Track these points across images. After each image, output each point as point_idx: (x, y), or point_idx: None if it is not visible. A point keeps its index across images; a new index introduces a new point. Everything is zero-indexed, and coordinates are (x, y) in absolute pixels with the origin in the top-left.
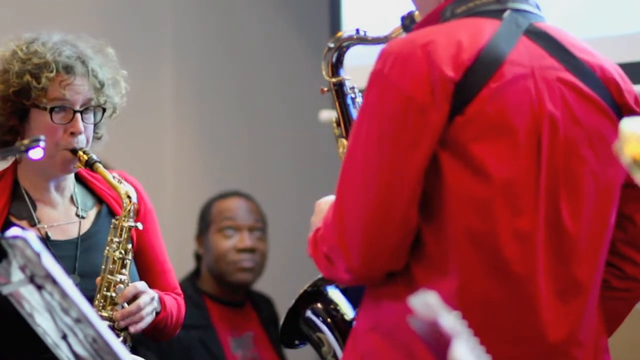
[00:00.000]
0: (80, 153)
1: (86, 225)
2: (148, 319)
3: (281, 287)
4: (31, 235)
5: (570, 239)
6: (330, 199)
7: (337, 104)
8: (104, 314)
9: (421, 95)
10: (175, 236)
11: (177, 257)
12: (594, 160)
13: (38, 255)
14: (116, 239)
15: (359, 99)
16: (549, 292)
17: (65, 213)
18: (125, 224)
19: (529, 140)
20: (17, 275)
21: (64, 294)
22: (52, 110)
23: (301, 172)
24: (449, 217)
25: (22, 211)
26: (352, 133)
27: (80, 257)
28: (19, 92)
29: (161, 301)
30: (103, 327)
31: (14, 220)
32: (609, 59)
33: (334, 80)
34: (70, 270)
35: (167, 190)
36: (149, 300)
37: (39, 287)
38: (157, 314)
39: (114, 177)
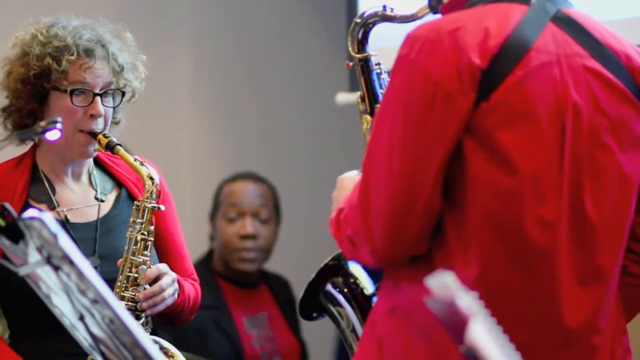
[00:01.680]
0: (100, 136)
1: (105, 208)
2: (169, 301)
3: (296, 269)
4: (48, 216)
5: (592, 227)
6: (353, 174)
7: (362, 79)
8: (127, 294)
9: (448, 81)
10: (192, 220)
11: (194, 240)
12: (618, 149)
13: (55, 236)
14: (139, 220)
15: (384, 76)
16: (570, 280)
17: (84, 196)
18: (148, 205)
19: (553, 128)
20: (34, 256)
21: (80, 275)
22: (72, 92)
23: (316, 154)
24: (472, 204)
25: (41, 194)
26: (377, 117)
27: (99, 239)
28: (39, 75)
29: (179, 285)
30: (120, 308)
31: (33, 203)
32: (634, 45)
33: (359, 56)
34: (89, 253)
35: (183, 175)
36: (170, 282)
37: (56, 268)
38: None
39: (135, 160)
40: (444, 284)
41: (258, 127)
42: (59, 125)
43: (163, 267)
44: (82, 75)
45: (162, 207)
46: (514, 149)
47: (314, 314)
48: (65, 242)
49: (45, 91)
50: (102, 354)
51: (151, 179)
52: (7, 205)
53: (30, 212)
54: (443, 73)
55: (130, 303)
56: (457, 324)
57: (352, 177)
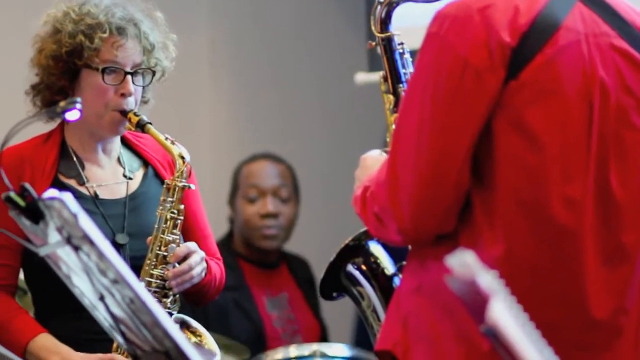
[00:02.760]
0: (131, 115)
1: (133, 185)
2: (197, 279)
3: (315, 249)
4: (68, 196)
5: (618, 207)
6: (376, 153)
7: (384, 59)
8: (156, 272)
9: (478, 59)
10: (211, 201)
11: (213, 221)
12: None
13: (75, 216)
14: (169, 199)
15: (407, 55)
16: (596, 259)
17: (113, 174)
18: (179, 184)
19: (580, 106)
20: (54, 236)
21: (101, 255)
22: (103, 70)
23: (335, 134)
24: (499, 182)
25: (70, 170)
26: (406, 94)
27: (128, 216)
28: (71, 52)
29: (207, 265)
30: (140, 288)
31: (62, 178)
32: None
33: (382, 35)
34: (119, 230)
35: (202, 155)
36: (199, 260)
37: (76, 249)
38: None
39: (166, 139)
40: (465, 263)
41: (277, 107)
42: (78, 106)
43: (192, 245)
44: (114, 53)
45: (193, 186)
46: (541, 127)
47: (334, 294)
48: (86, 222)
49: (77, 68)
50: (123, 334)
51: (182, 158)
52: (27, 186)
53: (50, 192)
54: (473, 51)
55: (158, 281)
56: (477, 303)
57: (375, 157)
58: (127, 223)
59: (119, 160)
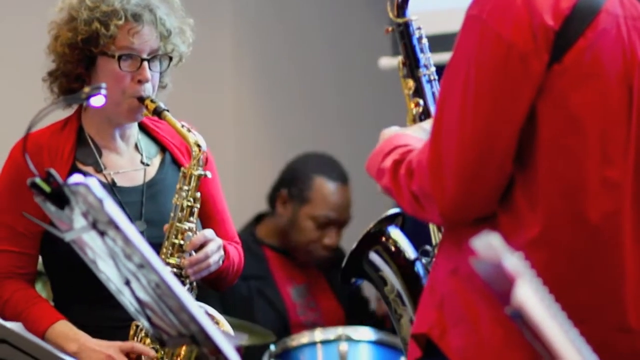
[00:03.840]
0: (148, 101)
1: (151, 172)
2: (214, 267)
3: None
4: (93, 182)
5: None
6: (395, 129)
7: (402, 44)
8: (172, 261)
9: (523, 43)
10: (234, 190)
11: (236, 207)
12: None
13: (100, 201)
14: (185, 187)
15: (425, 40)
16: (634, 241)
17: (130, 160)
18: (195, 173)
19: (620, 89)
20: (79, 222)
21: (126, 240)
22: (120, 58)
23: (358, 119)
24: (541, 165)
25: (87, 157)
26: (446, 78)
27: (146, 203)
28: (87, 39)
29: (225, 250)
30: (166, 272)
31: (80, 166)
32: None
33: (399, 20)
34: (136, 217)
35: (226, 142)
36: (216, 249)
37: (102, 234)
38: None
39: (182, 126)
40: (490, 245)
41: (300, 94)
42: (103, 91)
43: (209, 233)
44: (130, 40)
45: (209, 175)
46: (583, 110)
47: (352, 280)
48: (111, 207)
49: (93, 56)
50: (148, 319)
51: (198, 146)
52: (52, 171)
53: (75, 178)
54: (517, 34)
55: (175, 269)
56: (503, 285)
57: (391, 129)
58: (144, 210)
59: (136, 146)
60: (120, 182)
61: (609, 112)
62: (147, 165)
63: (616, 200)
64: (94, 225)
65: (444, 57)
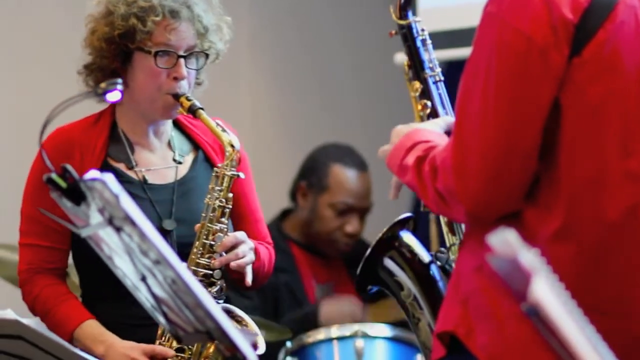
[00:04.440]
0: (183, 99)
1: (183, 170)
2: (247, 270)
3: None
4: (109, 177)
5: None
6: (406, 125)
7: (406, 47)
8: (202, 261)
9: (542, 37)
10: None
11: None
12: None
13: (116, 197)
14: (217, 188)
15: (430, 41)
16: None
17: (163, 157)
18: (227, 173)
19: (639, 80)
20: (95, 217)
21: (142, 236)
22: (156, 54)
23: (374, 114)
24: (563, 159)
25: (119, 153)
26: (466, 77)
27: (176, 202)
28: (123, 35)
29: (255, 251)
30: (182, 269)
31: (111, 162)
32: None
33: (402, 22)
34: (166, 215)
35: (244, 136)
36: (247, 250)
37: (118, 229)
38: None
39: (217, 125)
40: (506, 241)
41: (316, 90)
42: (119, 87)
43: (240, 235)
44: (167, 36)
45: (242, 175)
46: (603, 102)
47: (368, 287)
48: (127, 203)
49: (129, 51)
50: (164, 315)
51: (232, 146)
52: (69, 167)
53: (91, 173)
54: (536, 29)
55: (205, 270)
56: (519, 281)
57: (405, 125)
58: (175, 209)
59: (169, 143)
60: (152, 179)
61: (628, 104)
62: (180, 163)
63: (638, 191)
64: (110, 221)
65: (464, 52)
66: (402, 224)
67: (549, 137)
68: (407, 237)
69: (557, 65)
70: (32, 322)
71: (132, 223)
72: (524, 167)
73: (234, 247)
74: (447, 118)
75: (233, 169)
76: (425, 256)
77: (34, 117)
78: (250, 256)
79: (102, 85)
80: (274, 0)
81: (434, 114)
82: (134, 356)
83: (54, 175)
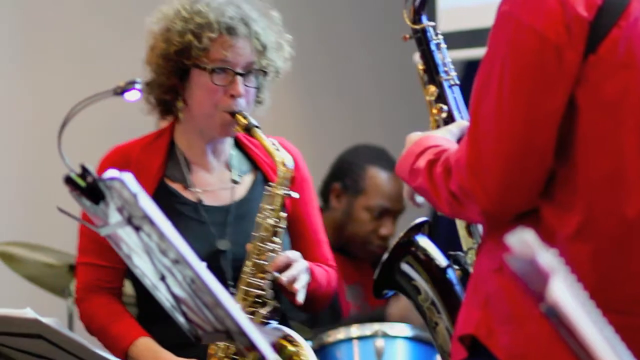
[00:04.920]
0: (239, 116)
1: (240, 191)
2: (300, 289)
3: None
4: (128, 177)
5: None
6: (418, 134)
7: (420, 51)
8: (254, 281)
9: (556, 35)
10: None
11: None
12: None
13: (135, 196)
14: (269, 207)
15: (444, 45)
16: None
17: (220, 178)
18: (279, 192)
19: None
20: (115, 217)
21: (161, 235)
22: (212, 71)
23: (392, 114)
24: (580, 157)
25: (176, 173)
26: (481, 76)
27: (232, 223)
28: (180, 51)
29: (311, 272)
30: (201, 268)
31: (168, 182)
32: None
33: (417, 27)
34: (220, 236)
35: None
36: (301, 270)
37: (137, 229)
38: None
39: (272, 144)
40: (524, 241)
41: (335, 88)
42: (137, 86)
43: (293, 255)
44: (224, 53)
45: (295, 195)
46: (619, 100)
47: (384, 292)
48: (146, 202)
49: (187, 68)
50: (184, 314)
51: (284, 164)
52: (87, 166)
53: (110, 173)
54: (550, 27)
55: (257, 290)
56: (537, 282)
57: (417, 133)
58: (229, 230)
59: (227, 163)
60: (207, 200)
61: None
62: (237, 183)
63: None
64: (129, 220)
65: (483, 51)
66: (418, 228)
67: (565, 134)
68: (424, 241)
69: (572, 63)
70: (52, 321)
71: (151, 222)
72: (540, 164)
73: (286, 266)
74: (461, 123)
75: (285, 187)
76: (442, 260)
77: (53, 117)
78: (304, 277)
79: (121, 84)
80: (293, 0)
81: (449, 118)
82: None
83: (72, 175)
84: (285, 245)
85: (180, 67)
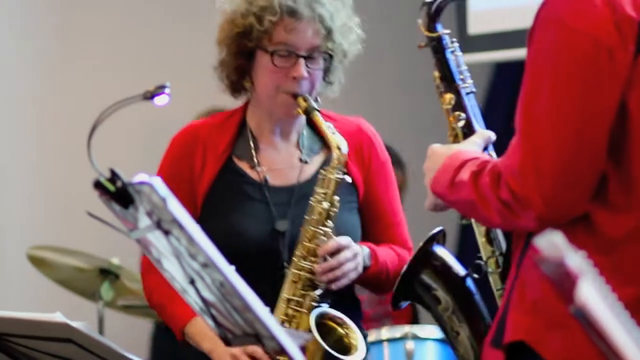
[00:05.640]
0: (300, 99)
1: (309, 171)
2: (351, 276)
3: None
4: (157, 181)
5: None
6: (438, 146)
7: (436, 59)
8: (304, 265)
9: (607, 36)
10: None
11: None
12: None
13: (164, 200)
14: (322, 190)
15: (459, 53)
16: None
17: (288, 157)
18: (332, 176)
19: None
20: (144, 221)
21: (190, 239)
22: (273, 53)
23: (417, 118)
24: (634, 158)
25: (244, 152)
26: (529, 82)
27: (295, 203)
28: (242, 33)
29: (373, 255)
30: (230, 272)
31: (235, 160)
32: None
33: (432, 35)
34: (282, 216)
35: None
36: (351, 257)
37: (166, 233)
38: (367, 268)
39: (328, 127)
40: (553, 243)
41: (360, 93)
42: (167, 90)
43: (344, 240)
44: (286, 36)
45: (348, 179)
46: None
47: (401, 303)
48: (175, 206)
49: (252, 49)
50: (213, 318)
51: (339, 148)
52: (117, 170)
53: (139, 177)
54: (600, 29)
55: (307, 274)
56: (566, 284)
57: (443, 147)
58: (291, 210)
59: (298, 142)
60: (273, 179)
61: None
62: (306, 162)
63: None
64: (158, 225)
65: (514, 53)
66: (434, 239)
67: (617, 137)
68: (441, 251)
69: (623, 63)
70: (82, 324)
71: (180, 226)
72: (594, 166)
73: (337, 252)
74: (483, 133)
75: (339, 172)
76: (460, 270)
77: (85, 121)
78: (351, 264)
79: (150, 89)
80: None
81: (467, 126)
82: (237, 354)
83: (102, 179)
84: (354, 228)
85: (246, 48)
